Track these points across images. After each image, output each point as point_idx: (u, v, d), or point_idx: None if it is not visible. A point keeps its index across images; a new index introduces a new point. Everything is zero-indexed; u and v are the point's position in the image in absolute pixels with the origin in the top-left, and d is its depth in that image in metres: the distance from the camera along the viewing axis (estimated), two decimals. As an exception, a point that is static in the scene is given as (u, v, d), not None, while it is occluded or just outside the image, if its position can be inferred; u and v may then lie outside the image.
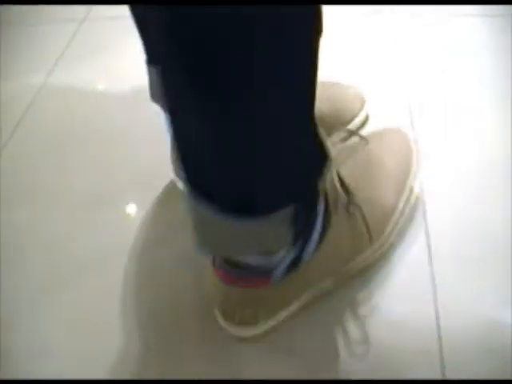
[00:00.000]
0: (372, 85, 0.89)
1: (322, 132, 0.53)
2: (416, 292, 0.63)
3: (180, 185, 0.52)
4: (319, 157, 0.53)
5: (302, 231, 0.54)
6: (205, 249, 0.54)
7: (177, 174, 0.58)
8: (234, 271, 0.56)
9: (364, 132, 0.78)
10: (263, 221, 0.49)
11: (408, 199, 0.69)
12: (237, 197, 0.49)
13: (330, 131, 0.78)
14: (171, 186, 0.78)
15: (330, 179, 0.55)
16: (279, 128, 0.45)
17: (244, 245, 0.53)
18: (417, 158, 0.72)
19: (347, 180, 0.59)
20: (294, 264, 0.57)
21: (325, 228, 0.57)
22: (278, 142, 0.46)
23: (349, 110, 0.83)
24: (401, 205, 0.67)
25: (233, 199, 0.48)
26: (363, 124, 0.84)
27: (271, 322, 0.61)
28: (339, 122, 0.81)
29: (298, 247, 0.56)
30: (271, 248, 0.54)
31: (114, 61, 1.05)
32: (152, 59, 0.64)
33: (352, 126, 0.83)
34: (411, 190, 0.70)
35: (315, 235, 0.57)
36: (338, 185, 0.57)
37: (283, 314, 0.61)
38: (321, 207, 0.56)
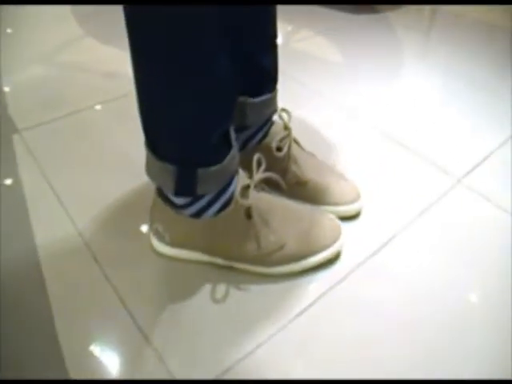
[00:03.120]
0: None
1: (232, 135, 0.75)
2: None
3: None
4: (213, 150, 0.72)
5: (184, 193, 0.75)
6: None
7: None
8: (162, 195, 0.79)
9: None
10: (159, 164, 0.72)
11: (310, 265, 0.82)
12: (151, 143, 0.73)
13: (314, 201, 0.91)
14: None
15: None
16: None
17: (152, 177, 0.77)
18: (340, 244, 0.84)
19: (264, 206, 0.80)
20: (196, 216, 0.77)
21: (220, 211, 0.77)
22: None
23: (340, 197, 0.91)
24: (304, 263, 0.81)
25: (150, 145, 0.73)
26: (350, 216, 0.93)
27: (172, 251, 0.83)
28: (324, 200, 0.91)
29: (200, 207, 0.77)
30: (162, 186, 0.77)
31: None
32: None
33: (338, 210, 0.91)
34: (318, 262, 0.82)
35: (213, 209, 0.77)
36: (238, 192, 0.76)
37: (182, 254, 0.82)
38: (226, 193, 0.76)
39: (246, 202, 0.76)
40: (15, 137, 1.07)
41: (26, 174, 0.98)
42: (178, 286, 0.79)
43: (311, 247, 0.82)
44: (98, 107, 1.21)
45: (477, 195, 1.01)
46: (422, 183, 1.03)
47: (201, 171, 0.71)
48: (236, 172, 0.77)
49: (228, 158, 0.73)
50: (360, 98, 1.32)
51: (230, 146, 0.74)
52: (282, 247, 0.79)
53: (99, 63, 1.40)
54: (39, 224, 0.88)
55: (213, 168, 0.72)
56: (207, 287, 0.79)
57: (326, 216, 0.86)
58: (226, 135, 0.74)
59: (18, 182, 0.96)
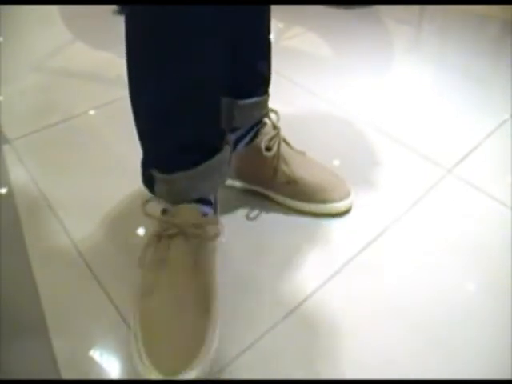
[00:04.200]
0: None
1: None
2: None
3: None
4: (166, 159, 0.71)
5: (146, 186, 0.77)
6: None
7: None
8: None
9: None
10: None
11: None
12: None
13: (304, 198, 0.91)
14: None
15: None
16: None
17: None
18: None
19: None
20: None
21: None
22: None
23: (331, 194, 0.91)
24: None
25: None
26: (337, 213, 0.93)
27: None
28: (315, 198, 0.91)
29: None
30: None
31: None
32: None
33: (329, 207, 0.91)
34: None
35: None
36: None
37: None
38: None
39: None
40: (6, 147, 1.08)
41: (19, 184, 0.99)
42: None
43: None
44: (92, 112, 1.21)
45: (467, 185, 1.01)
46: (413, 175, 1.04)
47: (153, 172, 0.72)
48: (198, 197, 0.74)
49: (180, 175, 0.70)
50: (351, 93, 1.32)
51: (188, 166, 0.70)
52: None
53: (90, 68, 1.40)
54: (32, 234, 0.89)
55: (163, 176, 0.71)
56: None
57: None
58: (188, 151, 0.70)
59: (10, 192, 0.97)
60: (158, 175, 0.71)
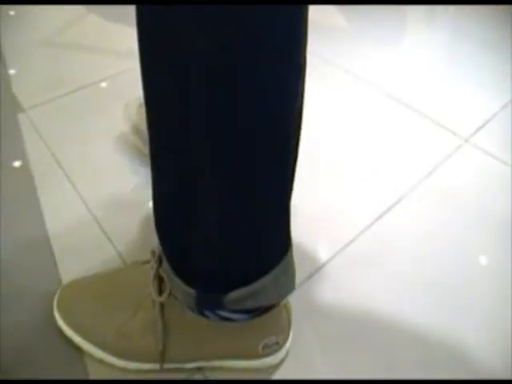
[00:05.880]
0: None
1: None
2: None
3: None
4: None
5: None
6: None
7: None
8: None
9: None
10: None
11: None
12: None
13: None
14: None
15: None
16: None
17: None
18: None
19: None
20: None
21: None
22: None
23: None
24: None
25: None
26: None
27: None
28: None
29: None
30: None
31: None
32: None
33: None
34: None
35: None
36: None
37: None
38: None
39: None
40: (21, 116, 1.08)
41: (34, 153, 0.99)
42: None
43: None
44: (104, 84, 1.21)
45: (484, 154, 1.00)
46: (430, 144, 1.03)
47: None
48: None
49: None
50: (366, 62, 1.31)
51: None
52: None
53: (103, 40, 1.39)
54: (48, 202, 0.89)
55: None
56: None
57: None
58: None
59: (26, 163, 0.97)
60: None
